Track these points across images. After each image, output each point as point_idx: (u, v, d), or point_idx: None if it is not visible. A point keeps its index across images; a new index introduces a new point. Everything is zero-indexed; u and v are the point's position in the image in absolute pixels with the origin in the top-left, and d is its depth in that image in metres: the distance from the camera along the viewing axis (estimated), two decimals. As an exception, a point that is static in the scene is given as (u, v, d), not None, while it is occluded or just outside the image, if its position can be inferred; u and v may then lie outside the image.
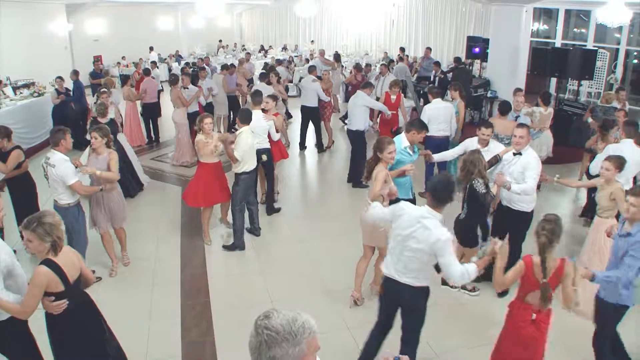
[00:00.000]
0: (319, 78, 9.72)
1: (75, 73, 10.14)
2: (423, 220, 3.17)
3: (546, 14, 14.13)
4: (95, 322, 3.32)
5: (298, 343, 1.58)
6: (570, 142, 8.43)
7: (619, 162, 4.32)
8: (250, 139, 5.55)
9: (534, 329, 3.12)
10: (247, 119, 5.55)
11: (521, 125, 4.74)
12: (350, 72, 13.84)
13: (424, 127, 5.03)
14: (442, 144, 6.70)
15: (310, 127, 9.47)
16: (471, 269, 3.14)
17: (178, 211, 6.82)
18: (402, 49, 16.02)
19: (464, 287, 4.76)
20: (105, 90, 7.75)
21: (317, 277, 5.13)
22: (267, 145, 6.31)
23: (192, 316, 4.50)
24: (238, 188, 5.58)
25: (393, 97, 8.03)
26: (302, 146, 9.71)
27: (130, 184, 7.13)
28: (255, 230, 6.06)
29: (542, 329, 3.15)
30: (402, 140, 4.89)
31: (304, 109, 9.40)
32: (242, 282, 5.15)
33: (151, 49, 17.83)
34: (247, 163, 5.53)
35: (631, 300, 3.30)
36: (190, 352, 4.03)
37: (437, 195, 3.19)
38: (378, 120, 8.55)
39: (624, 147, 5.07)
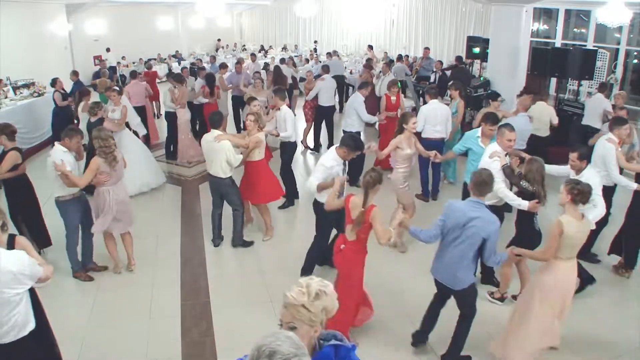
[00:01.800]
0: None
1: (75, 74, 10.11)
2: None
3: (546, 14, 14.13)
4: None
5: (308, 354, 1.59)
6: (571, 143, 8.42)
7: (571, 188, 3.53)
8: (210, 143, 5.33)
9: (340, 257, 3.89)
10: (213, 122, 5.43)
11: (512, 128, 4.70)
12: (351, 72, 13.88)
13: (495, 121, 5.17)
14: (438, 145, 6.59)
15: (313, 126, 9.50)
16: (313, 187, 4.57)
17: (178, 211, 6.82)
18: (370, 47, 16.60)
19: (491, 294, 4.74)
20: (116, 89, 7.70)
21: (317, 276, 5.11)
22: (295, 139, 6.58)
23: (192, 316, 4.50)
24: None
25: (393, 98, 8.00)
26: (316, 148, 9.58)
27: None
28: (232, 240, 5.80)
29: (346, 258, 3.85)
30: (478, 130, 5.40)
31: (322, 109, 9.29)
32: (242, 282, 5.15)
33: (108, 50, 16.57)
34: (209, 165, 5.48)
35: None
36: (190, 352, 4.03)
37: (344, 143, 4.48)
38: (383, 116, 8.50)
39: (600, 140, 5.16)
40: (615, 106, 7.27)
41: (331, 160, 4.54)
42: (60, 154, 4.67)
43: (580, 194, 3.46)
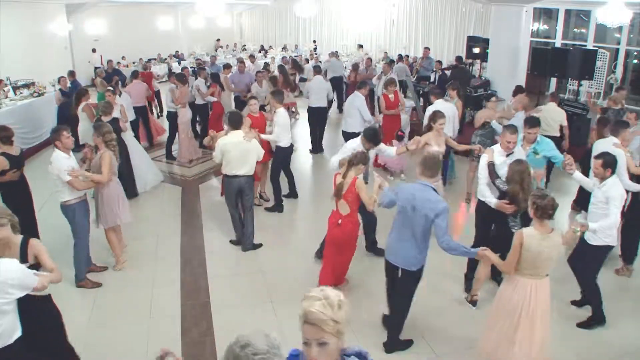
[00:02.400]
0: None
1: (72, 74, 10.10)
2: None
3: (546, 14, 14.13)
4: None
5: (282, 355, 1.65)
6: (571, 142, 8.43)
7: (532, 202, 3.36)
8: (240, 144, 5.32)
9: (339, 230, 4.35)
10: (235, 123, 5.40)
11: (514, 129, 4.65)
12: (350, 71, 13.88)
13: (532, 124, 4.97)
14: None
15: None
16: (334, 165, 4.96)
17: (178, 211, 6.82)
18: (360, 46, 17.13)
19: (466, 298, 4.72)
20: (111, 89, 7.72)
21: (317, 277, 5.12)
22: (287, 144, 6.53)
23: (192, 316, 4.50)
24: (226, 188, 5.67)
25: (391, 96, 8.03)
26: (314, 149, 9.47)
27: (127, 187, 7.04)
28: (244, 244, 5.76)
29: (347, 230, 4.33)
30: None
31: (313, 110, 9.25)
32: (242, 282, 5.14)
33: (94, 50, 16.27)
34: (229, 166, 5.41)
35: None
36: (190, 352, 4.03)
37: (364, 132, 5.07)
38: (381, 117, 8.52)
39: (604, 144, 5.11)
40: (608, 108, 7.30)
41: (357, 146, 5.01)
42: (62, 161, 4.53)
43: (539, 209, 3.28)
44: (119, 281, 5.07)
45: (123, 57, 17.02)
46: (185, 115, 8.63)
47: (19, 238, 2.99)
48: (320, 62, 14.53)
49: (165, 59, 18.36)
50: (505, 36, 10.12)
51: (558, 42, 13.42)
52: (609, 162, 4.06)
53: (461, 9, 16.71)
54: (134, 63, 16.55)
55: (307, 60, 16.05)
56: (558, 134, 7.24)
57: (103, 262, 5.30)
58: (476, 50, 12.39)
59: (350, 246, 4.52)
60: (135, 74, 10.07)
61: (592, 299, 4.30)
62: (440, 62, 12.44)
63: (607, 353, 4.00)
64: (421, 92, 11.10)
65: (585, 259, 4.23)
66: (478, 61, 13.12)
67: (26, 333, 2.95)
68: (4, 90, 9.68)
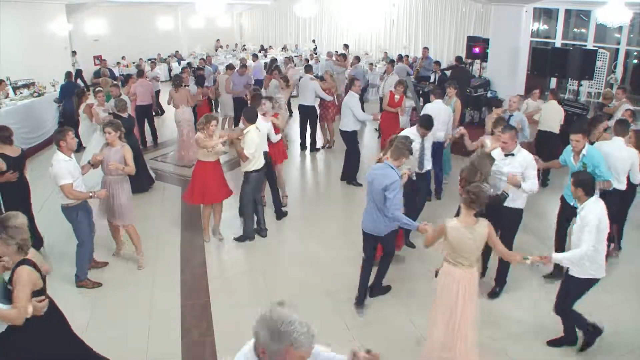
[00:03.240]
0: (318, 77, 9.82)
1: (69, 75, 10.11)
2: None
3: (546, 14, 14.13)
4: (65, 327, 3.26)
5: (277, 342, 1.73)
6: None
7: (467, 190, 3.38)
8: (258, 138, 5.59)
9: None
10: (252, 117, 5.63)
11: (507, 129, 4.64)
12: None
13: (574, 131, 4.67)
14: (438, 144, 6.66)
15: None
16: None
17: (178, 211, 6.82)
18: (346, 46, 17.17)
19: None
20: (101, 89, 7.75)
21: (317, 277, 5.13)
22: (266, 148, 6.18)
23: (192, 316, 4.50)
24: (248, 186, 5.68)
25: (397, 96, 8.08)
26: (303, 146, 9.71)
27: (144, 179, 7.36)
28: (261, 231, 6.07)
29: None
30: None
31: (302, 108, 9.43)
32: (242, 282, 5.15)
33: (74, 53, 15.70)
34: (257, 161, 5.63)
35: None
36: (190, 352, 4.03)
37: (423, 124, 5.52)
38: (380, 115, 8.50)
39: (613, 144, 5.08)
40: (605, 106, 7.35)
41: (412, 135, 5.33)
42: (61, 163, 4.46)
43: (467, 192, 3.33)
44: (119, 281, 5.08)
45: (123, 57, 17.01)
46: (179, 115, 8.65)
47: (18, 257, 2.85)
48: (319, 61, 14.54)
49: (166, 58, 18.37)
50: (505, 36, 10.11)
51: (558, 42, 13.43)
52: (581, 182, 3.64)
53: (461, 9, 16.71)
54: (134, 63, 16.56)
55: (307, 60, 16.05)
56: (557, 132, 7.26)
57: (102, 258, 5.31)
58: (476, 50, 12.39)
59: None
60: (139, 74, 10.21)
61: (565, 324, 3.97)
62: (438, 63, 12.42)
63: (608, 352, 4.00)
64: (421, 92, 11.10)
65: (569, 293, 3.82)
66: (478, 61, 13.12)
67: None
68: (4, 90, 9.67)
